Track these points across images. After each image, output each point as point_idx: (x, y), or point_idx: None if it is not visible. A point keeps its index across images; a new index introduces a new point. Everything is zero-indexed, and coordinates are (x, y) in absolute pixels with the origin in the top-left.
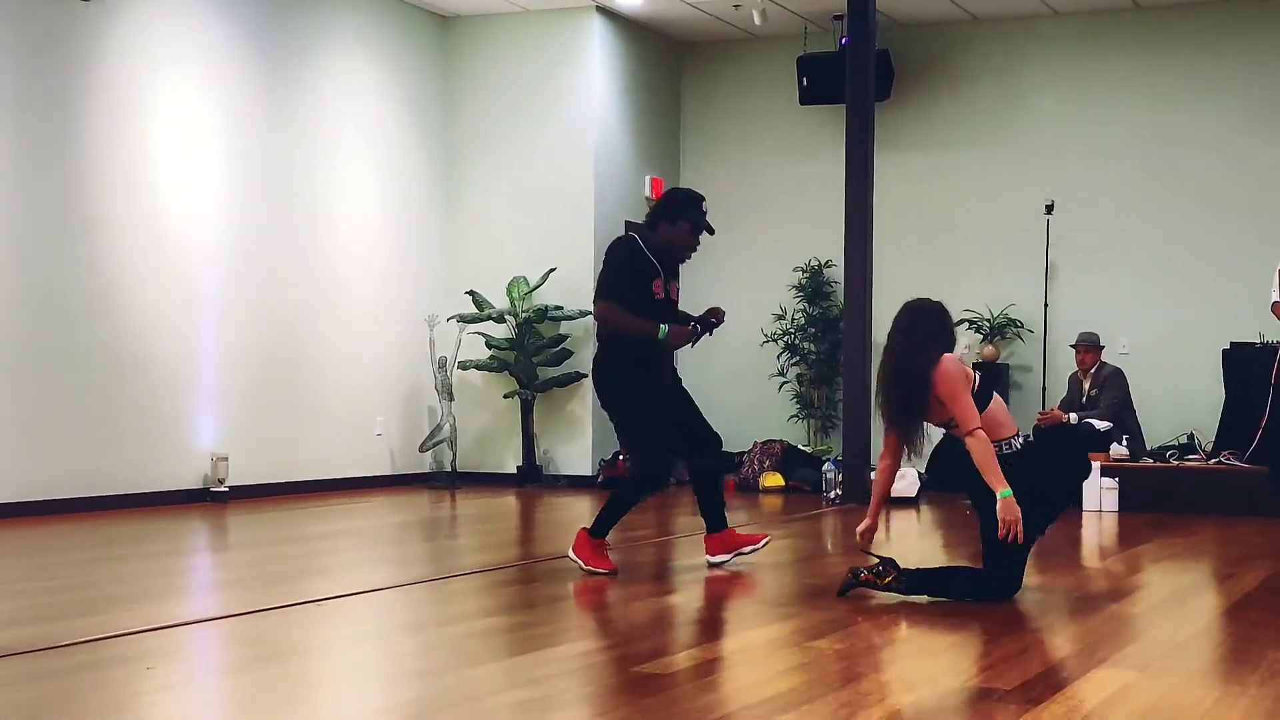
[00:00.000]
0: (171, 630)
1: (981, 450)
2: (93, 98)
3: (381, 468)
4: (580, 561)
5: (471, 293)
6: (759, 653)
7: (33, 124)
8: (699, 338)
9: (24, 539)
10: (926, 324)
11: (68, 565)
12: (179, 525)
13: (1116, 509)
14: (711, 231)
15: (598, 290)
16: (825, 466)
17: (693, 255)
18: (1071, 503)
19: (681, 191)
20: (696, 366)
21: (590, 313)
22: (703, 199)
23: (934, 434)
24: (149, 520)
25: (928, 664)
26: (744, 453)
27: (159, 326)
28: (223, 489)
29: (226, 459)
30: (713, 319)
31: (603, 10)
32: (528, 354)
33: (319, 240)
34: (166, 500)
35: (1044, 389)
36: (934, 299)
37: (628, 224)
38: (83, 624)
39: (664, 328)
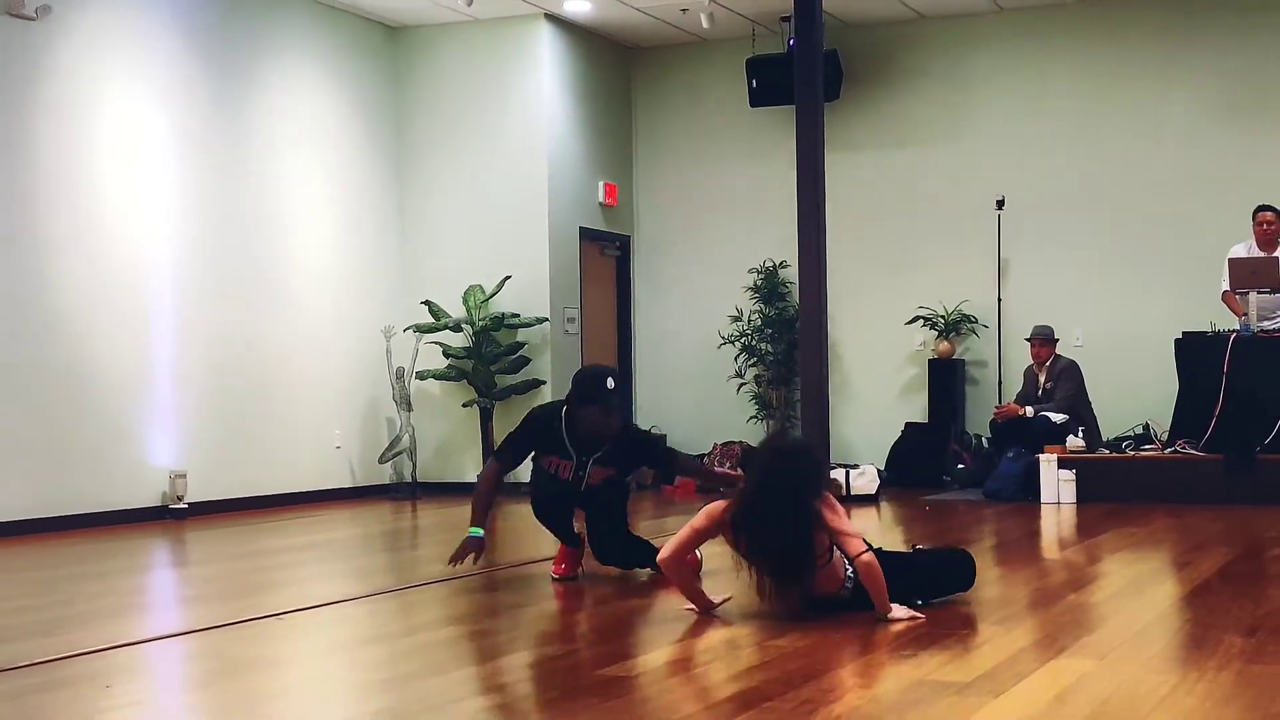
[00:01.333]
0: (131, 648)
1: (876, 572)
2: (40, 113)
3: (341, 480)
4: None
5: (427, 302)
6: (720, 653)
7: None
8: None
9: None
10: (808, 470)
11: (25, 586)
12: (138, 543)
13: (1074, 500)
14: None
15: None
16: None
17: (618, 431)
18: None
19: (582, 374)
20: (656, 372)
21: (546, 320)
22: (606, 375)
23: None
24: (108, 539)
25: (888, 659)
26: (704, 455)
27: (112, 344)
28: (182, 505)
29: (185, 476)
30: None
31: (551, 18)
32: (485, 362)
33: (272, 253)
34: (125, 519)
35: (1000, 383)
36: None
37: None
38: (41, 644)
39: (475, 531)
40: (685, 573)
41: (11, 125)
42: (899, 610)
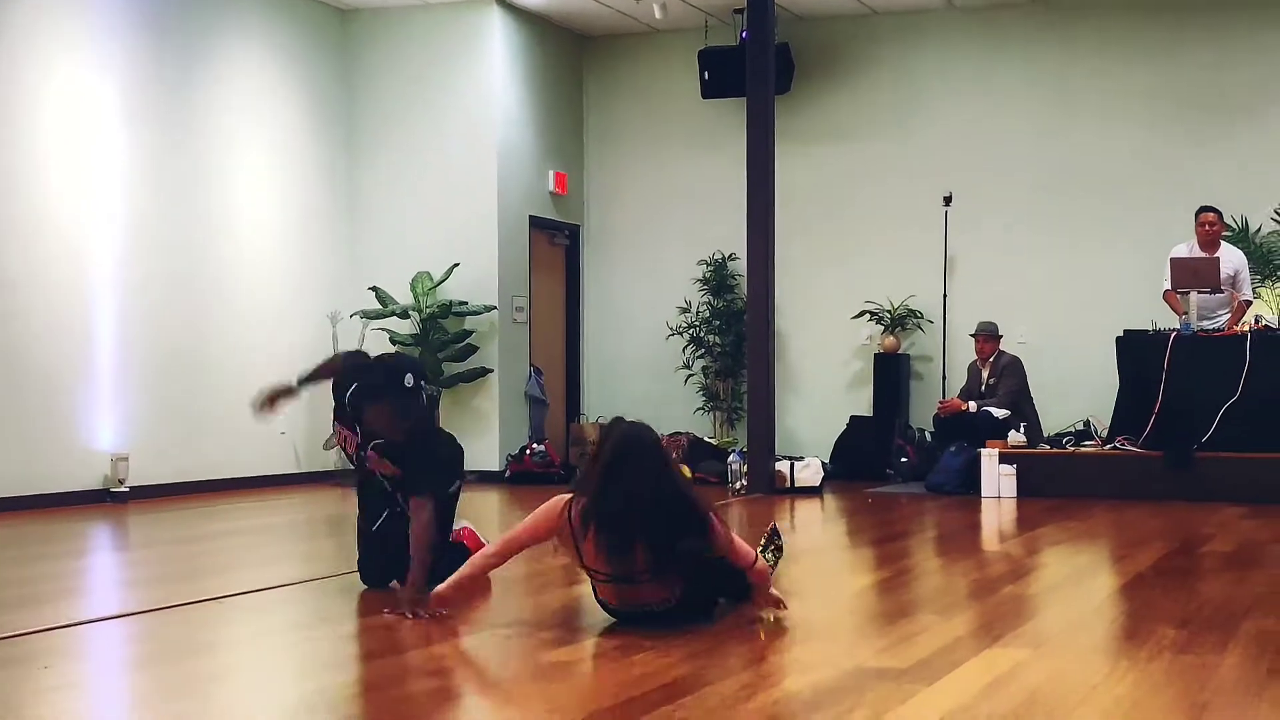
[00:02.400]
0: (69, 630)
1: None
2: None
3: (286, 466)
4: None
5: (375, 289)
6: (663, 639)
7: None
8: None
9: None
10: (659, 451)
11: None
12: (78, 526)
13: (1015, 494)
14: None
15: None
16: (730, 458)
17: (407, 437)
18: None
19: (379, 364)
20: (604, 362)
21: (495, 308)
22: (407, 370)
23: None
24: (47, 521)
25: (825, 646)
26: None
27: (52, 326)
28: (123, 489)
29: (126, 459)
30: None
31: (503, 4)
32: (433, 350)
33: (218, 237)
34: (66, 501)
35: (944, 378)
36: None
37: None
38: None
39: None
40: (478, 579)
41: None
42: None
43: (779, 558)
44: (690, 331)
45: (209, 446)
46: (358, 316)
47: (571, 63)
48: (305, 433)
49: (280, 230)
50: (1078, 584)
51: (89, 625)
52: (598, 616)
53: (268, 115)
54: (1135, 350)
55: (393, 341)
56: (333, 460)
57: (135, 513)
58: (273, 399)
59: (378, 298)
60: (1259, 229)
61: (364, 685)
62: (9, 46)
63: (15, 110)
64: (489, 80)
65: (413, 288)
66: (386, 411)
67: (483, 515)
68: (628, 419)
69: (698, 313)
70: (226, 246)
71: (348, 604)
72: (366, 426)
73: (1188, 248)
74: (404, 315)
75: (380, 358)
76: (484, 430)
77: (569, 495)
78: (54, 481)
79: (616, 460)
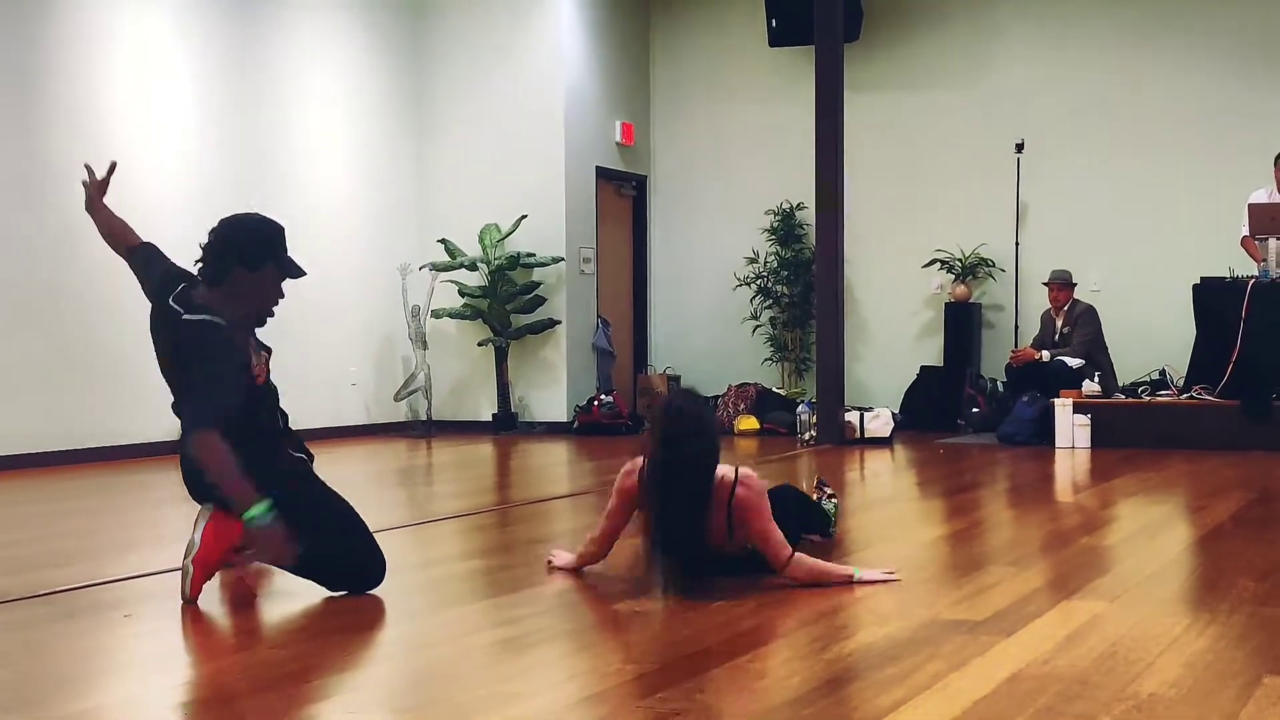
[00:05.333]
0: (150, 578)
1: (814, 570)
2: (54, 45)
3: (356, 417)
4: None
5: (444, 241)
6: (735, 590)
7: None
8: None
9: (7, 492)
10: (707, 426)
11: (47, 517)
12: (155, 476)
13: (1089, 445)
14: (299, 273)
15: (188, 413)
16: (799, 408)
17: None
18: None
19: (248, 223)
20: (671, 313)
21: (562, 259)
22: (281, 228)
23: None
24: (126, 472)
25: (901, 597)
26: (718, 397)
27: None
28: None
29: None
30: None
31: None
32: (501, 301)
33: (288, 190)
34: (144, 452)
35: (1016, 328)
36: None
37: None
38: (62, 574)
39: (261, 508)
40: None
41: (24, 56)
42: (868, 573)
43: (836, 507)
44: (758, 282)
45: (281, 398)
46: (427, 268)
47: (638, 12)
48: (375, 385)
49: (350, 184)
50: (1154, 535)
51: (170, 574)
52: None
53: (338, 69)
54: (1212, 298)
55: (462, 294)
56: (402, 412)
57: None
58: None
59: (446, 250)
60: None
61: (438, 635)
62: (82, 4)
63: (89, 64)
64: (556, 31)
65: (481, 240)
66: (275, 274)
67: (549, 467)
68: (679, 391)
69: (765, 263)
70: (297, 201)
71: (418, 554)
72: (243, 304)
73: (1266, 193)
74: (472, 267)
75: (236, 222)
76: (552, 381)
77: (631, 465)
78: (131, 432)
79: (663, 467)
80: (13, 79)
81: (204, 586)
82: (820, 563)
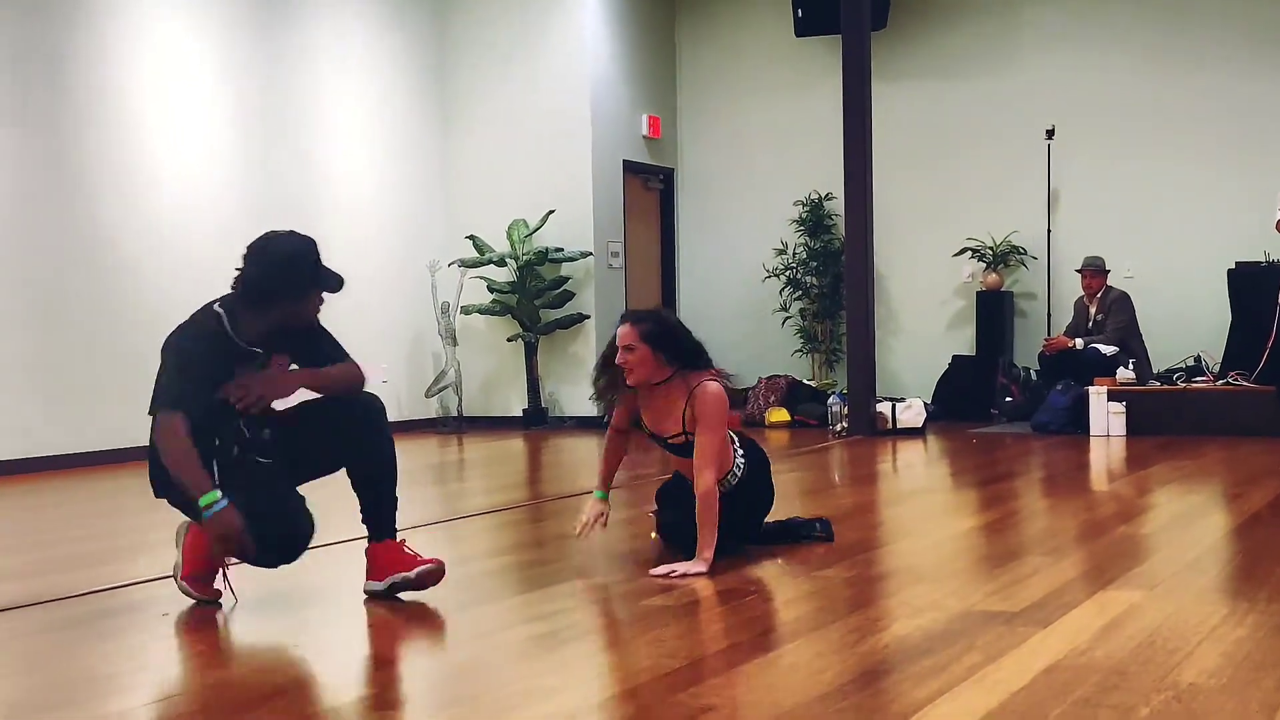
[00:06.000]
0: None
1: (711, 507)
2: (81, 43)
3: (388, 414)
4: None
5: (472, 237)
6: (768, 582)
7: (24, 73)
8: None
9: (38, 494)
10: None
11: (84, 518)
12: None
13: (1124, 433)
14: (340, 285)
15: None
16: (830, 400)
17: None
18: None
19: (283, 252)
20: (700, 305)
21: (590, 254)
22: (314, 245)
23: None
24: None
25: (935, 589)
26: (749, 389)
27: (163, 280)
28: None
29: None
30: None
31: None
32: (529, 297)
33: (316, 188)
34: None
35: (1049, 315)
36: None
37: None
38: (100, 573)
39: (213, 495)
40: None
41: (52, 57)
42: (698, 565)
43: (822, 537)
44: (787, 273)
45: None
46: (455, 265)
47: (663, 4)
48: (406, 382)
49: (378, 182)
50: (1191, 524)
51: None
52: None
53: (362, 65)
54: (1247, 283)
55: (490, 290)
56: (433, 408)
57: None
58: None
59: (475, 246)
60: None
61: (471, 631)
62: (108, 2)
63: (118, 64)
64: (581, 25)
65: (509, 235)
66: (318, 299)
67: (580, 462)
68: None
69: (794, 254)
70: (325, 198)
71: (451, 550)
72: (278, 326)
73: None
74: (501, 263)
75: (276, 244)
76: (581, 376)
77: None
78: None
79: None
80: (40, 80)
81: (216, 590)
82: (711, 527)
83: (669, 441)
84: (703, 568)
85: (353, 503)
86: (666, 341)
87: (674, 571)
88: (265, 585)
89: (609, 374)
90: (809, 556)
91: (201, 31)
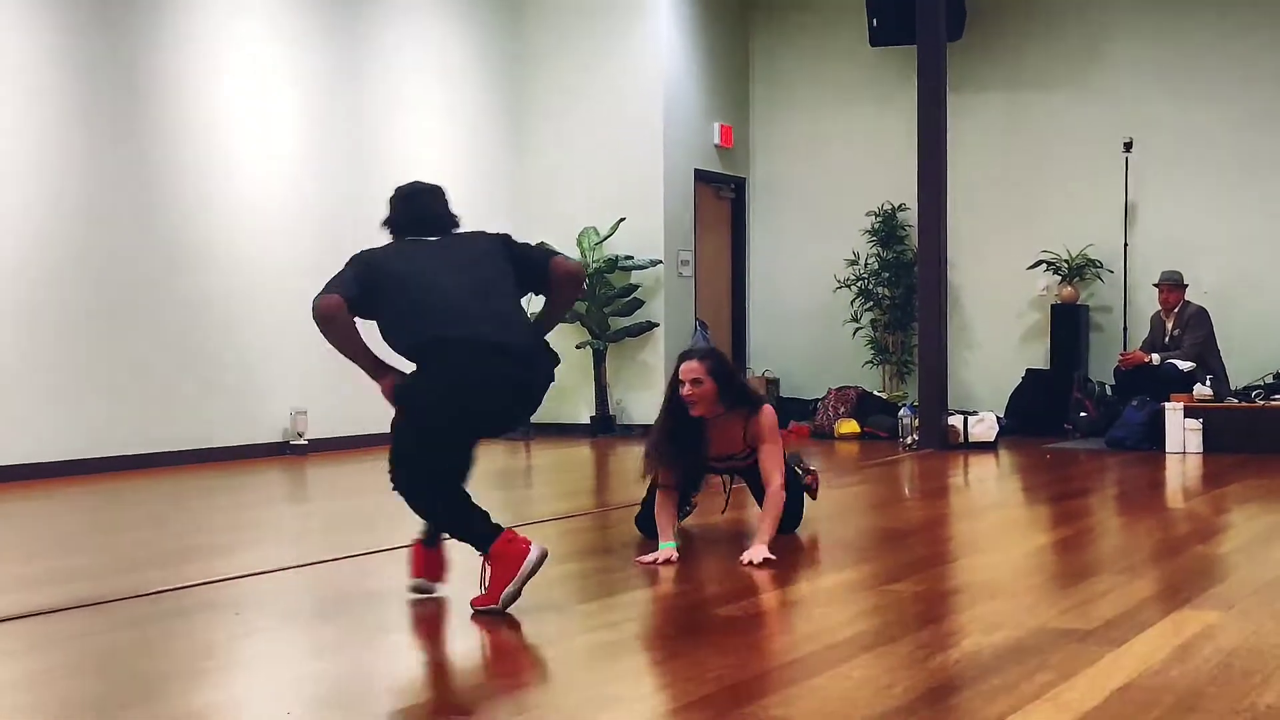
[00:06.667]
0: (258, 577)
1: (780, 504)
2: (162, 54)
3: None
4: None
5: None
6: (837, 595)
7: (104, 81)
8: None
9: (108, 494)
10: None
11: (153, 518)
12: (261, 478)
13: (1200, 450)
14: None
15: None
16: (901, 412)
17: None
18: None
19: (426, 190)
20: (770, 315)
21: (660, 262)
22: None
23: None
24: (231, 474)
25: (1007, 605)
26: (818, 400)
27: (233, 280)
28: (302, 442)
29: (305, 412)
30: None
31: None
32: (599, 304)
33: (388, 193)
34: (247, 454)
35: (1125, 330)
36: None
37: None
38: (172, 572)
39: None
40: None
41: (133, 66)
42: (762, 549)
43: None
44: (859, 284)
45: (382, 399)
46: None
47: (737, 13)
48: None
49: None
50: (1269, 543)
51: (276, 574)
52: (767, 574)
53: (437, 72)
54: None
55: None
56: None
57: (313, 465)
58: None
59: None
60: None
61: (535, 639)
62: (189, 13)
63: (198, 74)
64: (655, 33)
65: (579, 243)
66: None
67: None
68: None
69: (866, 264)
70: None
71: None
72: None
73: None
74: None
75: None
76: (650, 384)
77: None
78: (237, 434)
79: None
80: (118, 87)
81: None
82: (775, 519)
83: (733, 460)
84: (766, 550)
85: (400, 510)
86: (728, 377)
87: (753, 560)
88: (338, 586)
89: (675, 444)
90: (879, 570)
91: (280, 39)
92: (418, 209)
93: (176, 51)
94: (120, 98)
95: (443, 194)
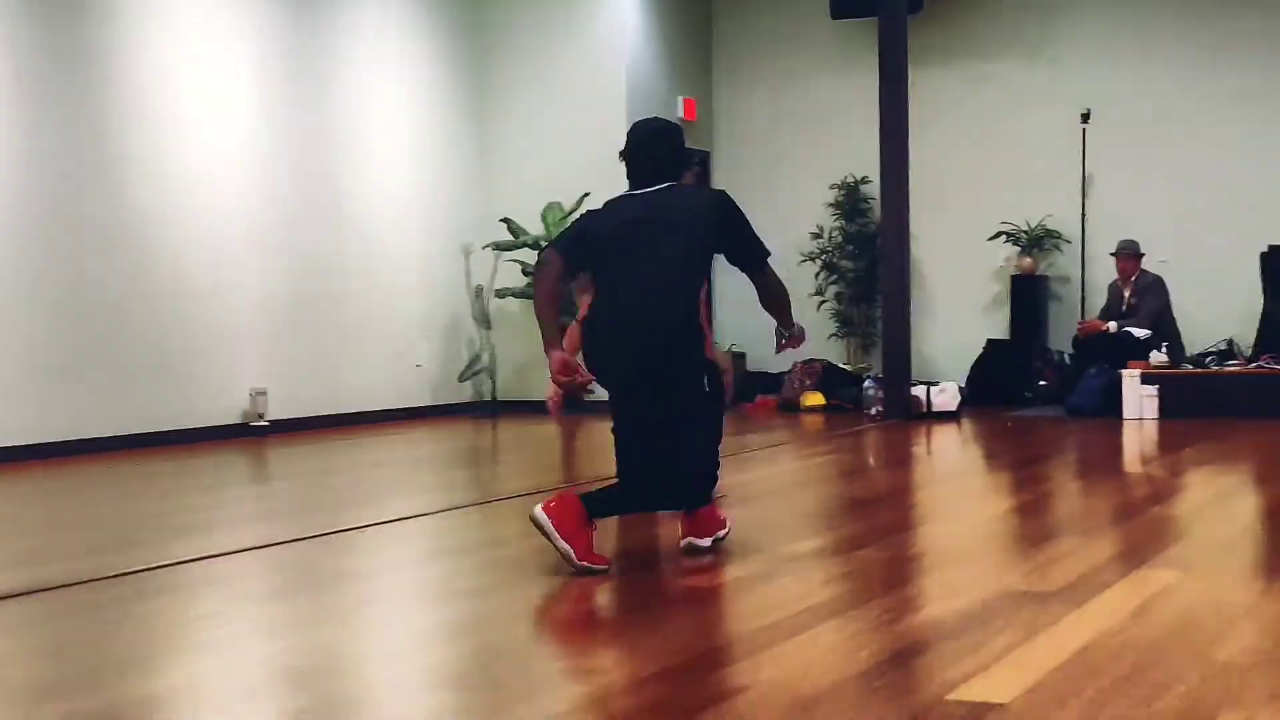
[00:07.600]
0: (216, 559)
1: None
2: (119, 33)
3: (422, 399)
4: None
5: (506, 220)
6: (805, 562)
7: (59, 65)
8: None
9: (66, 477)
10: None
11: (112, 501)
12: (221, 459)
13: (1157, 416)
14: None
15: (760, 248)
16: (866, 384)
17: None
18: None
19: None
20: (736, 289)
21: None
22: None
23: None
24: (190, 456)
25: (970, 569)
26: (785, 373)
27: (192, 262)
28: (262, 423)
29: (265, 393)
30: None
31: None
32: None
33: (351, 170)
34: (207, 436)
35: (1083, 299)
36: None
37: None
38: (130, 556)
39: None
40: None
41: (90, 50)
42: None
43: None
44: (823, 257)
45: (345, 380)
46: (490, 248)
47: None
48: (440, 366)
49: (412, 163)
50: (1224, 505)
51: (235, 555)
52: (736, 543)
53: (398, 49)
54: None
55: (525, 273)
56: (467, 392)
57: (274, 446)
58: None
59: (509, 229)
60: None
61: (502, 614)
62: None
63: (153, 45)
64: (617, 7)
65: (544, 218)
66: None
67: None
68: None
69: (830, 238)
70: (359, 180)
71: (486, 533)
72: None
73: None
74: (535, 246)
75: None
76: None
77: None
78: (195, 416)
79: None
80: (75, 71)
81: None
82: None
83: None
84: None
85: (402, 485)
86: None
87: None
88: (302, 567)
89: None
90: (844, 538)
91: (236, 18)
92: (632, 164)
93: (132, 35)
94: (74, 85)
95: (664, 139)
